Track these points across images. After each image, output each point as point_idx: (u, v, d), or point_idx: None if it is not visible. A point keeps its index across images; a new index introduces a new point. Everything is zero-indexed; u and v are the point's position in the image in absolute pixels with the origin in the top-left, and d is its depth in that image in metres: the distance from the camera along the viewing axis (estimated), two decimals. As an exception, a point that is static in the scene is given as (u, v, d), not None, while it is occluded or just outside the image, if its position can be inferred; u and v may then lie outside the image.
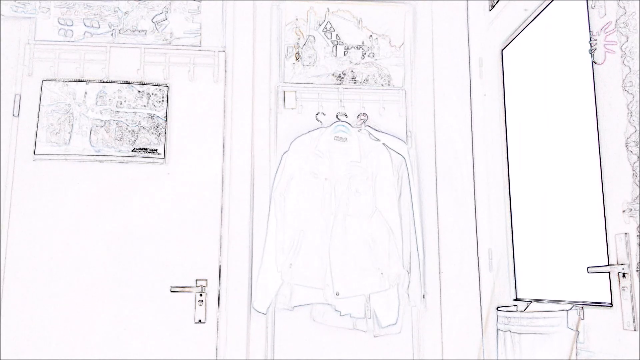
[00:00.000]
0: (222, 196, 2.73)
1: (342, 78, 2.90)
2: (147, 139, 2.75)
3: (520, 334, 2.26)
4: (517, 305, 2.43)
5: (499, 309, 2.51)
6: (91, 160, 2.71)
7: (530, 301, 2.35)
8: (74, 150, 2.71)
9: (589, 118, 1.94)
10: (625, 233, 1.71)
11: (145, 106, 2.77)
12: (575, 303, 1.99)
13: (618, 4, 1.78)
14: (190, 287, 2.64)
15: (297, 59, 2.90)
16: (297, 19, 2.93)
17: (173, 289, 2.63)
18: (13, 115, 2.71)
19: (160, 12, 2.88)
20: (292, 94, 2.85)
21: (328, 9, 2.95)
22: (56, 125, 2.72)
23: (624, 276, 1.71)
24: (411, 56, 2.94)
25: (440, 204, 2.79)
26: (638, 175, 1.67)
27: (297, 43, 2.91)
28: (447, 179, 2.81)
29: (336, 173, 2.72)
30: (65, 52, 2.79)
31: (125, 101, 2.77)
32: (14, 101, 2.72)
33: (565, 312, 1.98)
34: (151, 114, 2.77)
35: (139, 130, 2.74)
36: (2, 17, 2.78)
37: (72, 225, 2.65)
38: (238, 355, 2.60)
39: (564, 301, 2.10)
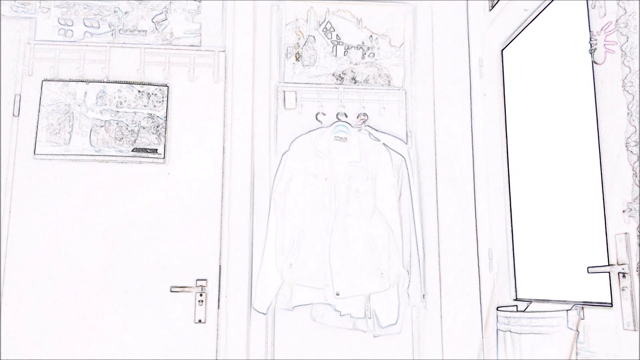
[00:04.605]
0: (222, 196, 2.73)
1: (342, 78, 2.90)
2: (147, 139, 2.75)
3: (520, 334, 2.26)
4: (517, 305, 2.43)
5: (499, 309, 2.51)
6: (91, 160, 2.71)
7: (530, 301, 2.35)
8: (74, 150, 2.71)
9: (589, 118, 1.94)
10: (625, 233, 1.71)
11: (145, 106, 2.77)
12: (575, 303, 1.99)
13: (618, 4, 1.78)
14: (190, 287, 2.64)
15: (297, 59, 2.90)
16: (297, 19, 2.93)
17: (173, 289, 2.63)
18: (13, 115, 2.71)
19: (160, 12, 2.88)
20: (292, 94, 2.85)
21: (328, 9, 2.95)
22: (56, 125, 2.72)
23: (624, 276, 1.71)
24: (411, 56, 2.94)
25: (440, 204, 2.79)
26: (638, 175, 1.67)
27: (297, 43, 2.91)
28: (447, 179, 2.81)
29: (336, 173, 2.72)
30: (65, 52, 2.79)
31: (125, 101, 2.77)
32: (14, 101, 2.72)
33: (565, 312, 1.98)
34: (151, 114, 2.77)
35: (139, 130, 2.74)
36: (2, 17, 2.78)
37: (72, 225, 2.65)
38: (238, 355, 2.61)
39: (564, 301, 2.10)
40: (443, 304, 2.71)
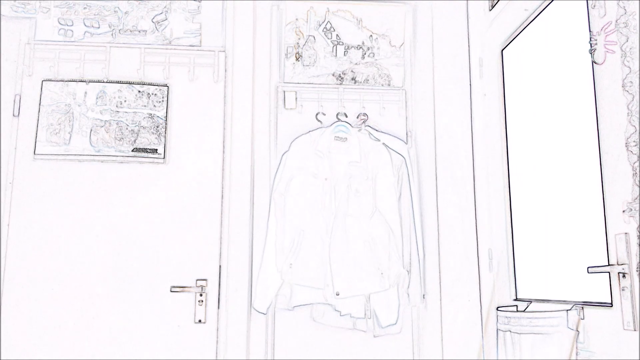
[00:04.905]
0: (222, 196, 2.73)
1: (342, 78, 2.90)
2: (147, 139, 2.75)
3: (520, 334, 2.26)
4: (517, 305, 2.43)
5: (499, 309, 2.51)
6: (91, 160, 2.71)
7: (530, 301, 2.35)
8: (74, 150, 2.71)
9: (589, 118, 1.94)
10: (625, 233, 1.71)
11: (145, 106, 2.77)
12: (575, 303, 1.99)
13: (618, 4, 1.78)
14: (190, 287, 2.64)
15: (297, 59, 2.90)
16: (297, 19, 2.93)
17: (173, 289, 2.63)
18: (13, 115, 2.71)
19: (160, 12, 2.88)
20: (292, 94, 2.85)
21: (328, 9, 2.95)
22: (56, 125, 2.72)
23: (624, 276, 1.71)
24: (411, 56, 2.94)
25: (440, 204, 2.79)
26: (638, 175, 1.67)
27: (297, 43, 2.91)
28: (447, 179, 2.81)
29: (336, 173, 2.72)
30: (65, 52, 2.79)
31: (125, 101, 2.77)
32: (14, 101, 2.72)
33: (565, 312, 1.98)
34: (151, 114, 2.77)
35: (139, 130, 2.74)
36: (2, 17, 2.78)
37: (72, 225, 2.65)
38: (238, 355, 2.61)
39: (564, 301, 2.10)
40: (443, 304, 2.71)
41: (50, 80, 2.75)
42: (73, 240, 2.64)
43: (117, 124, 2.75)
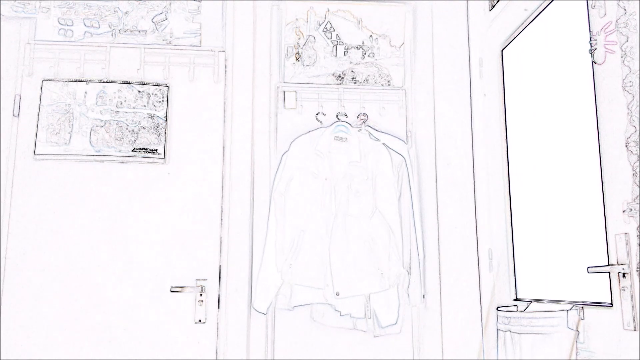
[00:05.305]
0: (222, 196, 2.73)
1: (342, 78, 2.90)
2: (147, 139, 2.75)
3: (520, 334, 2.26)
4: (517, 305, 2.43)
5: (499, 309, 2.51)
6: (91, 160, 2.71)
7: (530, 301, 2.35)
8: (74, 150, 2.71)
9: (589, 118, 1.94)
10: (625, 233, 1.71)
11: (145, 106, 2.77)
12: (575, 303, 1.99)
13: (618, 4, 1.78)
14: (190, 287, 2.64)
15: (297, 59, 2.90)
16: (297, 19, 2.93)
17: (173, 289, 2.63)
18: (13, 115, 2.71)
19: (160, 12, 2.88)
20: (292, 94, 2.85)
21: (328, 9, 2.95)
22: (56, 125, 2.72)
23: (624, 276, 1.71)
24: (411, 56, 2.94)
25: (440, 204, 2.79)
26: (638, 175, 1.67)
27: (297, 43, 2.91)
28: (447, 179, 2.81)
29: (336, 173, 2.72)
30: (65, 52, 2.79)
31: (125, 101, 2.77)
32: (14, 101, 2.72)
33: (565, 312, 1.98)
34: (151, 114, 2.77)
35: (139, 130, 2.74)
36: (2, 17, 2.78)
37: (72, 225, 2.65)
38: (238, 355, 2.61)
39: (564, 301, 2.10)
40: (443, 304, 2.71)
41: (50, 80, 2.75)
42: (73, 240, 2.64)
43: (117, 124, 2.75)
